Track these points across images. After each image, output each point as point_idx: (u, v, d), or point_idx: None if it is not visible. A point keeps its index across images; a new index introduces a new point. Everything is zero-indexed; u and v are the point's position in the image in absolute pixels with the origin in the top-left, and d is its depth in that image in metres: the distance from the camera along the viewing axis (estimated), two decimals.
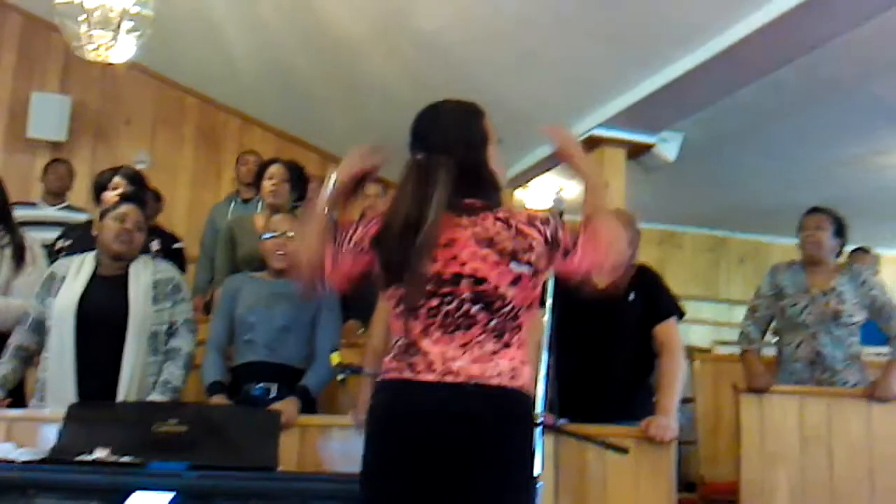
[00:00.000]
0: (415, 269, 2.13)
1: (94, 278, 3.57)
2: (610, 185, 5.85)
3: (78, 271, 3.59)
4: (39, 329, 3.53)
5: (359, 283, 2.29)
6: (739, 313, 4.54)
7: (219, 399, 3.52)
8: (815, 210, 4.33)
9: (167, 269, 3.70)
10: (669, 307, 3.57)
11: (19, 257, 3.79)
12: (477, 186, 2.25)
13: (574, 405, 3.23)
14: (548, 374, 2.73)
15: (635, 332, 3.52)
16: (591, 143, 5.93)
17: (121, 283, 3.54)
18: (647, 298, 3.55)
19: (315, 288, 2.27)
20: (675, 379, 3.41)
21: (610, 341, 3.49)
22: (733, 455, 3.98)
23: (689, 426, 4.76)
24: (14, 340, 3.54)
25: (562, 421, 3.17)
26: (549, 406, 2.94)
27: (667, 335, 3.49)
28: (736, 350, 4.47)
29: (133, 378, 3.41)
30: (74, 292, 3.50)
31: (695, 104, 5.41)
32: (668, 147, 6.14)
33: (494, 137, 2.33)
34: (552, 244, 2.25)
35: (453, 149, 2.25)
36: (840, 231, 4.28)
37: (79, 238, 4.30)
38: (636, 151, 6.05)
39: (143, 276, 3.57)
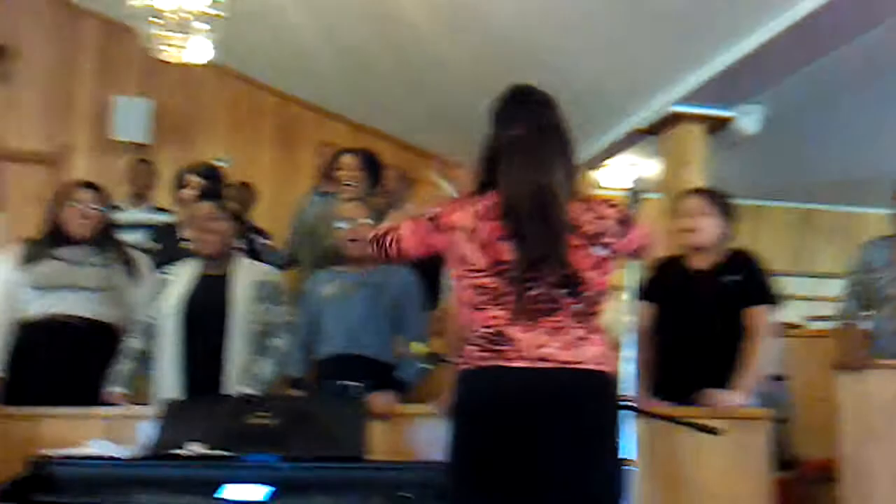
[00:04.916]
0: (550, 256, 2.15)
1: (199, 279, 3.68)
2: (690, 163, 5.77)
3: (183, 274, 3.70)
4: (150, 332, 3.63)
5: (427, 256, 2.38)
6: (830, 287, 4.42)
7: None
8: None
9: (269, 272, 3.81)
10: (764, 293, 3.47)
11: (130, 272, 3.88)
12: (568, 171, 2.26)
13: (672, 387, 3.18)
14: (637, 359, 2.70)
15: (732, 312, 3.43)
16: (670, 121, 5.84)
17: (223, 282, 3.64)
18: (744, 279, 3.47)
19: (386, 252, 2.39)
20: (752, 361, 3.33)
21: (706, 322, 3.42)
22: (829, 432, 3.86)
23: (785, 404, 4.66)
24: (128, 345, 3.64)
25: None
26: (646, 390, 2.91)
27: (756, 320, 3.40)
28: (829, 325, 4.35)
29: (236, 374, 3.51)
30: (180, 292, 3.62)
31: (773, 76, 5.27)
32: (749, 120, 6.01)
33: None
34: (623, 224, 2.28)
35: (554, 131, 2.27)
36: None
37: (169, 241, 4.38)
38: (716, 126, 5.93)
39: (245, 276, 3.67)
